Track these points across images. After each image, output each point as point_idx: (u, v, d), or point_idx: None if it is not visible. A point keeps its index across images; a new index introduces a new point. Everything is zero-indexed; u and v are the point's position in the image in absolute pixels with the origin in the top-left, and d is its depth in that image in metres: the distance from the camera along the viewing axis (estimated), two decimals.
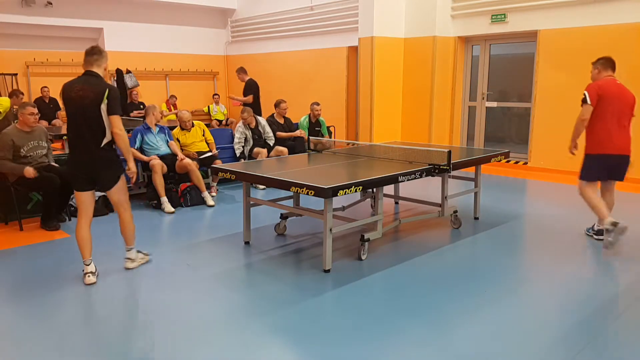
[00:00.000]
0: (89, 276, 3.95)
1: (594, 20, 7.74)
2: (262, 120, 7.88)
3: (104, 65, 3.95)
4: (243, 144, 7.56)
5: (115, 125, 3.83)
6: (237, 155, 7.52)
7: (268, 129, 7.81)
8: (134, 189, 6.55)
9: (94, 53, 3.92)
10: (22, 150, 5.28)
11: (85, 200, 3.98)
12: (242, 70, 9.87)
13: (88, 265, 3.98)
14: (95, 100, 3.77)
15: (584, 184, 4.86)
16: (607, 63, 4.95)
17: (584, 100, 4.77)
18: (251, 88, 9.58)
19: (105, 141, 3.85)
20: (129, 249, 4.24)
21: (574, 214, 5.92)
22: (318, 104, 8.09)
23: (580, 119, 4.79)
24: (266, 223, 5.45)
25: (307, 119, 8.13)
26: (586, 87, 4.84)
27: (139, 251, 4.37)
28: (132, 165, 4.02)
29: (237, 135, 7.57)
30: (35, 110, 5.41)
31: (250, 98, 9.44)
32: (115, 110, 3.83)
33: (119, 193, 4.03)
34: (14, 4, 11.05)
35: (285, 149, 7.65)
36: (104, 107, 3.78)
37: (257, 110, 9.59)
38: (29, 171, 5.19)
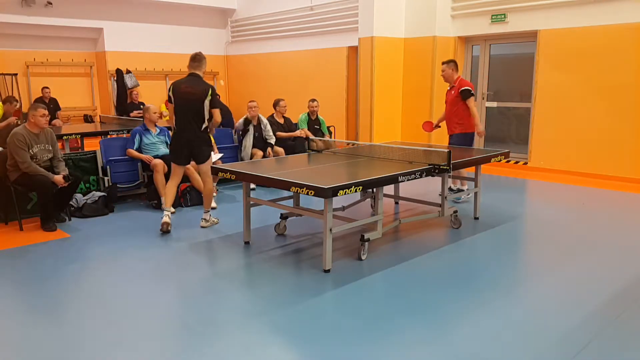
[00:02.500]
0: (166, 216, 5.20)
1: (594, 20, 7.73)
2: (264, 119, 7.84)
3: (203, 68, 5.25)
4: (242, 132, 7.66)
5: (217, 116, 5.16)
6: (241, 141, 7.64)
7: (269, 127, 7.78)
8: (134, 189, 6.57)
9: (195, 60, 5.18)
10: (31, 150, 5.29)
11: (178, 170, 5.36)
12: None
13: (167, 211, 5.26)
14: (200, 96, 5.05)
15: None
16: (457, 66, 6.56)
17: (472, 94, 6.32)
18: None
19: (203, 126, 5.13)
20: (205, 211, 5.43)
21: (573, 214, 5.93)
22: (314, 100, 8.13)
23: (475, 107, 6.37)
24: (266, 223, 5.45)
25: (306, 116, 8.14)
26: (464, 85, 6.33)
27: (211, 215, 5.46)
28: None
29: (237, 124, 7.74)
30: (47, 112, 5.43)
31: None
32: (217, 104, 5.20)
33: (207, 166, 5.23)
34: (14, 4, 11.04)
35: (282, 150, 7.65)
36: (207, 102, 5.06)
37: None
38: (59, 180, 5.29)
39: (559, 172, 8.30)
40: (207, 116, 5.11)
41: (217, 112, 5.15)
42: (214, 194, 6.71)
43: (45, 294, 3.78)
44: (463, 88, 6.33)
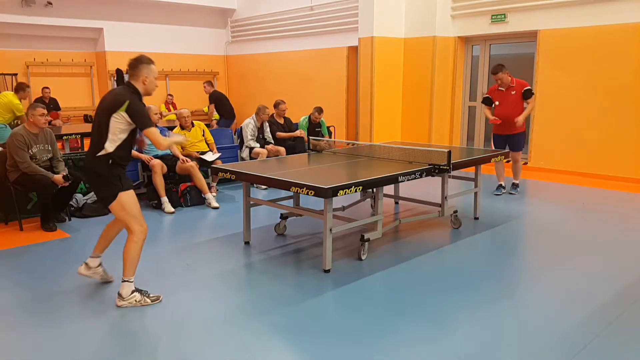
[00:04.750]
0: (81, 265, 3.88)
1: (594, 20, 7.73)
2: (265, 122, 7.92)
3: (141, 78, 3.51)
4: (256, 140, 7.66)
5: (151, 137, 3.45)
6: (250, 151, 7.55)
7: (268, 129, 7.87)
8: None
9: (129, 67, 3.57)
10: (30, 150, 5.29)
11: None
12: (208, 84, 11.13)
13: (88, 259, 3.90)
14: (109, 108, 3.42)
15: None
16: (505, 67, 6.60)
17: (533, 94, 6.61)
18: (211, 98, 10.78)
19: (102, 153, 3.43)
20: (124, 280, 3.55)
21: (573, 214, 5.92)
22: (320, 112, 8.13)
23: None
24: (266, 223, 5.45)
25: (307, 120, 8.14)
26: (525, 84, 6.63)
27: (138, 290, 3.61)
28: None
29: (249, 131, 7.59)
30: (46, 112, 5.40)
31: (212, 107, 10.65)
32: (145, 124, 3.43)
33: (119, 212, 3.57)
34: (14, 4, 11.04)
35: (282, 149, 7.66)
36: (116, 117, 3.40)
37: (229, 117, 10.73)
38: (59, 179, 5.26)
39: (559, 172, 8.30)
40: (112, 137, 3.42)
41: (150, 133, 3.44)
42: (214, 194, 6.73)
43: (45, 294, 3.78)
44: (527, 88, 6.57)
